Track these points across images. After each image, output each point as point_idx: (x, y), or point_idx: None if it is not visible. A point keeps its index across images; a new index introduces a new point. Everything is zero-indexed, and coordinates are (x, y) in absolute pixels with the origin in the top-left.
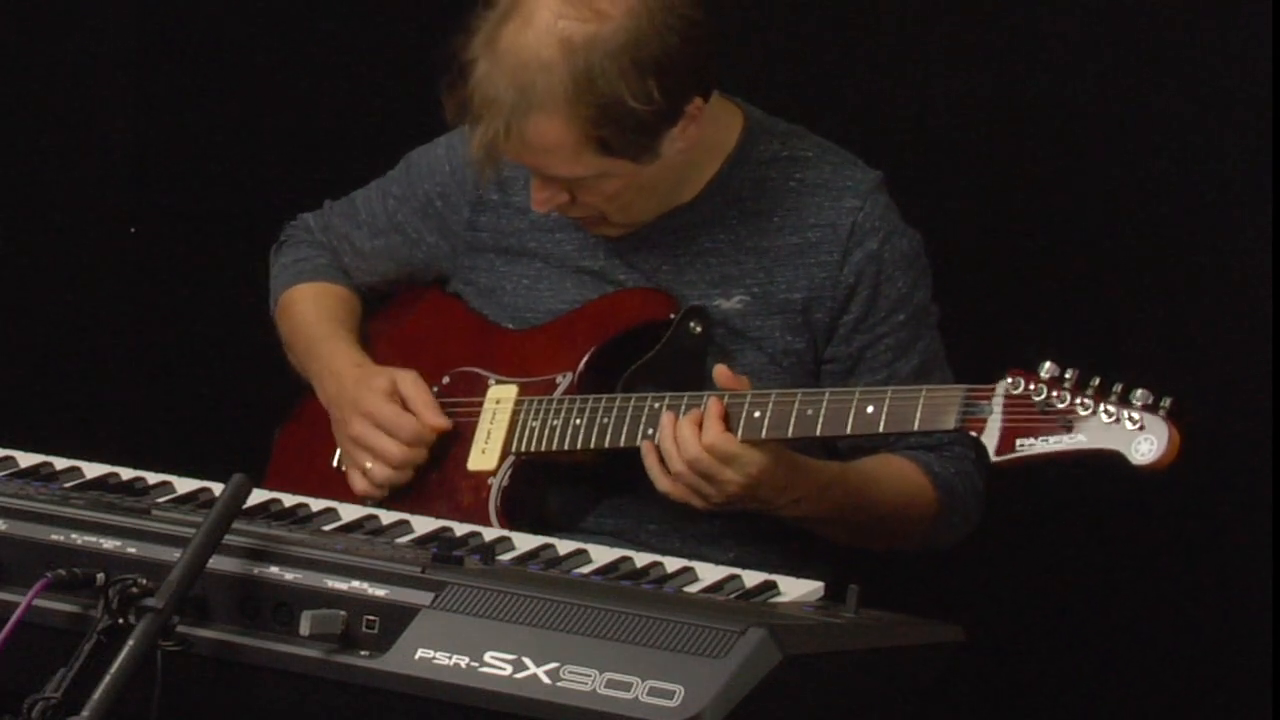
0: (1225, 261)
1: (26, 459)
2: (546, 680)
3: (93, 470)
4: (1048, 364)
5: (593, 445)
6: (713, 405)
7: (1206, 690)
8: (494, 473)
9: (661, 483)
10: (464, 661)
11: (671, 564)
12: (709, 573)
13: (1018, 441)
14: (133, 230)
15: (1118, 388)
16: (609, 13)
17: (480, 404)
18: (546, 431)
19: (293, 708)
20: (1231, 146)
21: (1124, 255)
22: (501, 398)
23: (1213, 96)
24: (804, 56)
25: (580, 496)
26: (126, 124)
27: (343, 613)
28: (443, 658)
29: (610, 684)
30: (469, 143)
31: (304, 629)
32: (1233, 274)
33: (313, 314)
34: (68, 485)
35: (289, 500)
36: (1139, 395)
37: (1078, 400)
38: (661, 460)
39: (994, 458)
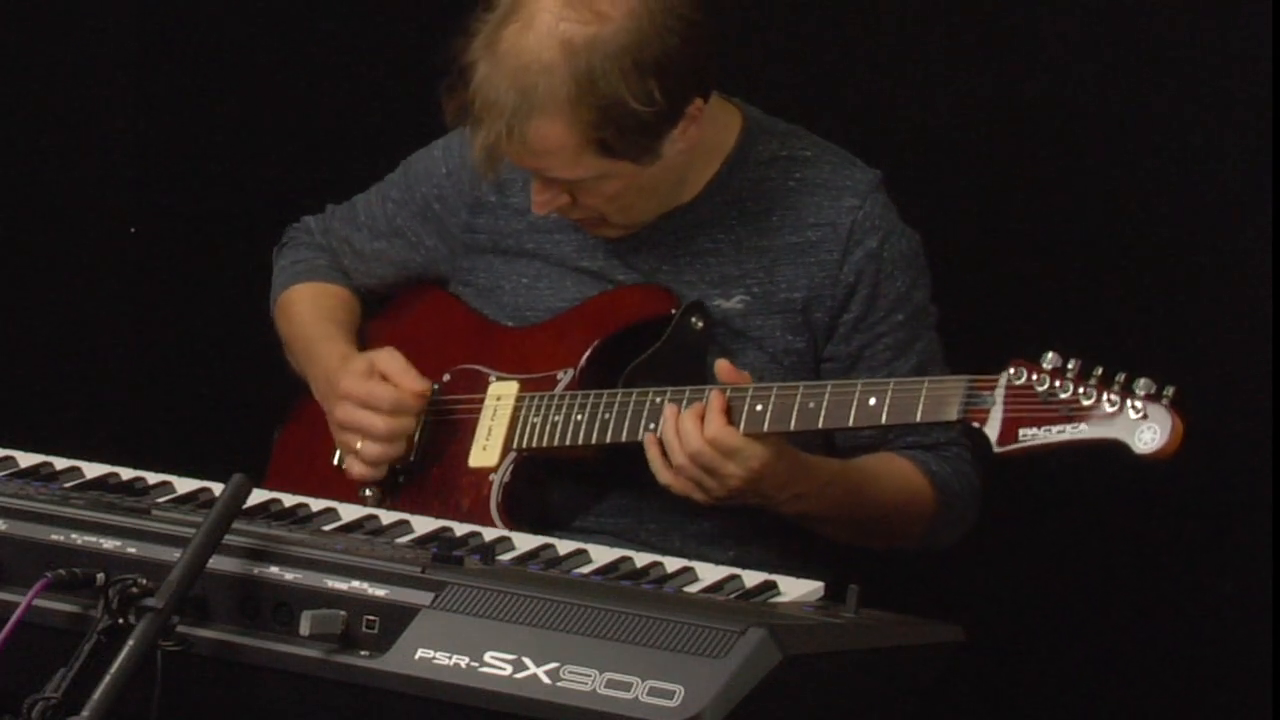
0: (1225, 260)
1: (26, 459)
2: (546, 680)
3: (93, 470)
4: (1050, 354)
5: (594, 441)
6: (715, 398)
7: (1206, 690)
8: (495, 469)
9: (663, 475)
10: (464, 661)
11: (671, 564)
12: (709, 573)
13: (1020, 432)
14: (133, 230)
15: (1120, 377)
16: (610, 14)
17: (481, 401)
18: (548, 428)
19: (293, 708)
20: (1231, 146)
21: (1124, 255)
22: (502, 394)
23: (1213, 96)
24: (804, 56)
25: (582, 493)
26: (126, 124)
27: (343, 613)
28: (443, 658)
29: (610, 684)
30: (470, 145)
31: (304, 629)
32: (1232, 272)
33: (310, 314)
34: (68, 485)
35: (289, 500)
36: (1142, 385)
37: (1080, 390)
38: (664, 453)
39: (997, 448)
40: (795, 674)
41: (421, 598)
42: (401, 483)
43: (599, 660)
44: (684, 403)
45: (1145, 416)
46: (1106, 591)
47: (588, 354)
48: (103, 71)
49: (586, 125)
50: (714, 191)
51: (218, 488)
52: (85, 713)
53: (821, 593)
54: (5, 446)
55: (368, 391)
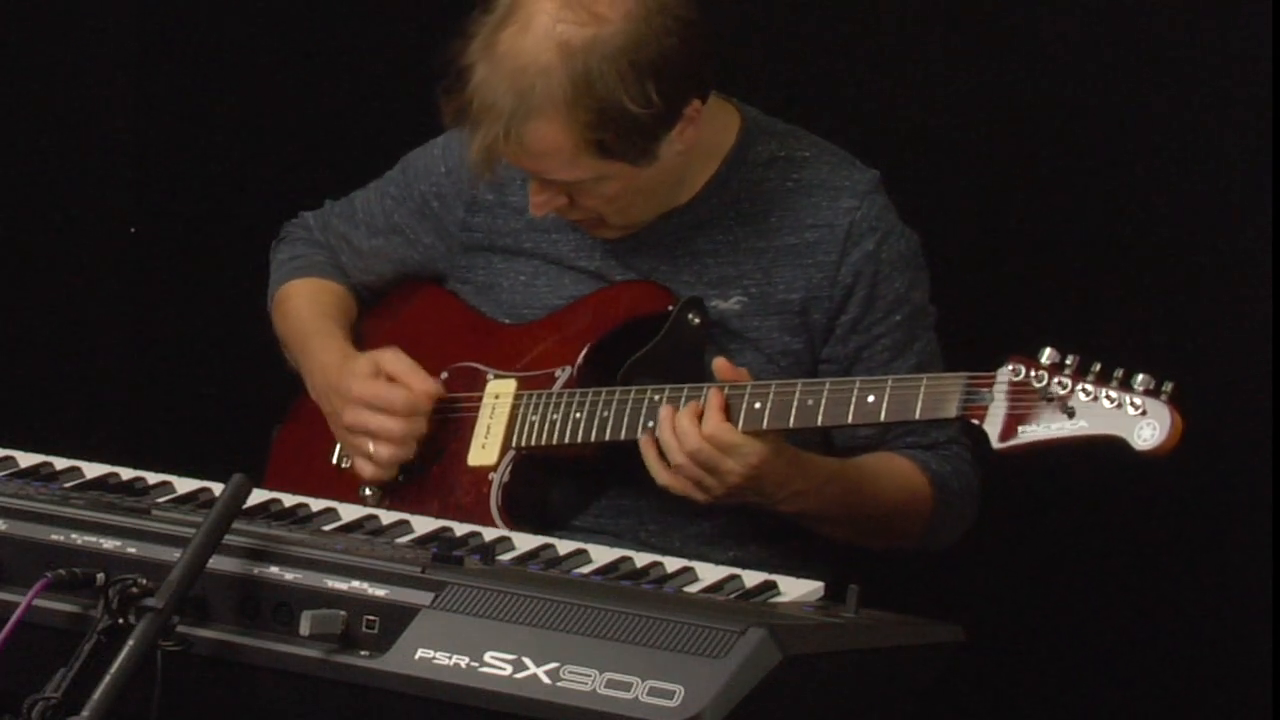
0: (1225, 260)
1: (26, 459)
2: (546, 680)
3: (93, 470)
4: (1048, 350)
5: (593, 439)
6: (713, 396)
7: (1206, 690)
8: (494, 468)
9: (662, 476)
10: (464, 661)
11: (671, 564)
12: (709, 573)
13: (1020, 428)
14: (133, 230)
15: (1119, 373)
16: (607, 16)
17: (479, 399)
18: (546, 426)
19: (293, 708)
20: (1231, 146)
21: (1124, 254)
22: (500, 392)
23: (1213, 96)
24: (804, 56)
25: (581, 491)
26: (126, 124)
27: (343, 613)
28: (443, 658)
29: (610, 684)
30: (468, 147)
31: (304, 629)
32: (1232, 272)
33: (307, 310)
34: (68, 485)
35: (289, 500)
36: (1140, 380)
37: (1079, 386)
38: (661, 454)
39: (996, 445)
40: (795, 674)
41: (421, 598)
42: (401, 481)
43: (599, 660)
44: (682, 401)
45: (1144, 413)
46: (1106, 591)
47: (585, 352)
48: (103, 71)
49: (584, 127)
50: (712, 192)
51: (218, 488)
52: (85, 713)
53: (821, 593)
54: (5, 446)
55: (377, 394)
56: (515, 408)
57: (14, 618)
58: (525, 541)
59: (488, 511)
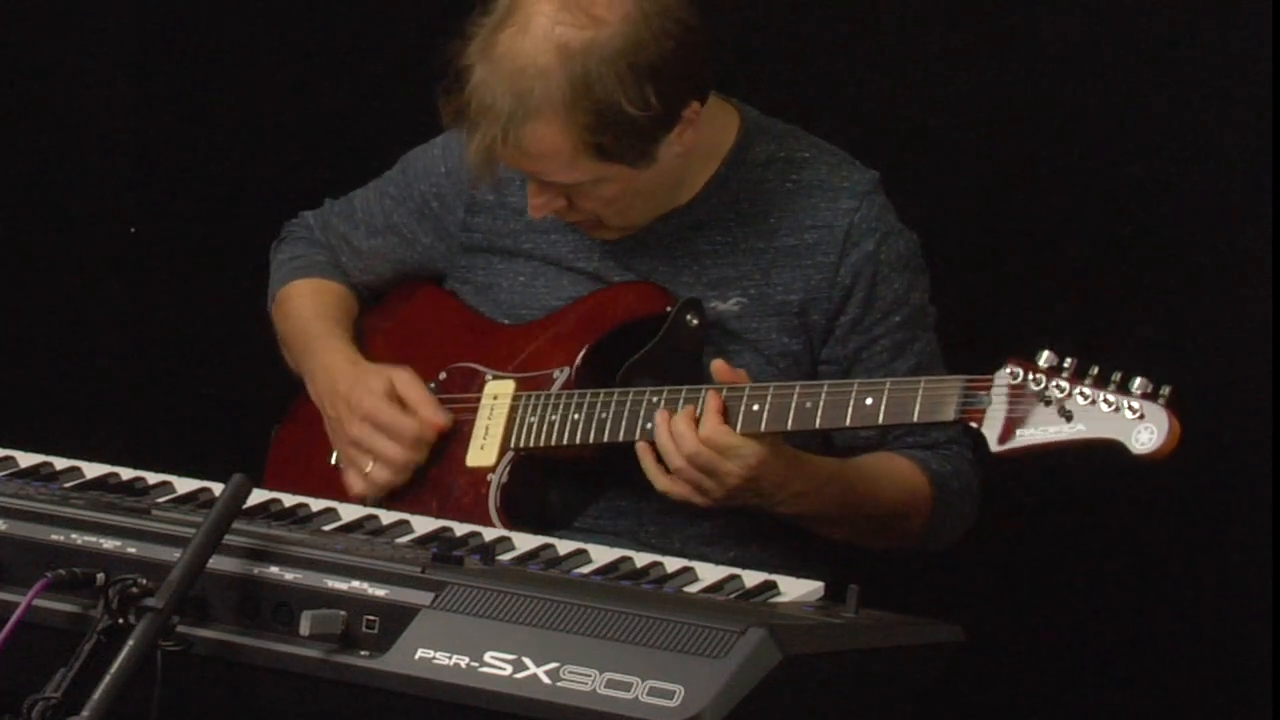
0: (1225, 260)
1: (26, 459)
2: (546, 680)
3: (93, 470)
4: (1046, 353)
5: (591, 440)
6: (710, 399)
7: (1206, 690)
8: (493, 469)
9: (660, 482)
10: (464, 661)
11: (671, 564)
12: (709, 573)
13: (1018, 431)
14: (133, 230)
15: (1116, 376)
16: (606, 19)
17: (478, 400)
18: (545, 427)
19: (293, 708)
20: (1231, 146)
21: (1123, 255)
22: (499, 393)
23: (1213, 96)
24: (804, 56)
25: (580, 492)
26: (126, 124)
27: (343, 613)
28: (443, 658)
29: (610, 684)
30: (466, 149)
31: (304, 629)
32: (1232, 272)
33: (308, 311)
34: (68, 485)
35: (289, 500)
36: (1138, 384)
37: (1077, 389)
38: (658, 460)
39: (995, 448)
40: (795, 674)
41: (421, 598)
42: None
43: (599, 660)
44: (680, 403)
45: (1142, 416)
46: (1106, 591)
47: (583, 353)
48: (103, 71)
49: (582, 129)
50: (711, 193)
51: (218, 488)
52: (85, 713)
53: (821, 593)
54: (5, 446)
55: (392, 420)
56: (514, 408)
57: (14, 618)
58: (525, 541)
59: (486, 512)
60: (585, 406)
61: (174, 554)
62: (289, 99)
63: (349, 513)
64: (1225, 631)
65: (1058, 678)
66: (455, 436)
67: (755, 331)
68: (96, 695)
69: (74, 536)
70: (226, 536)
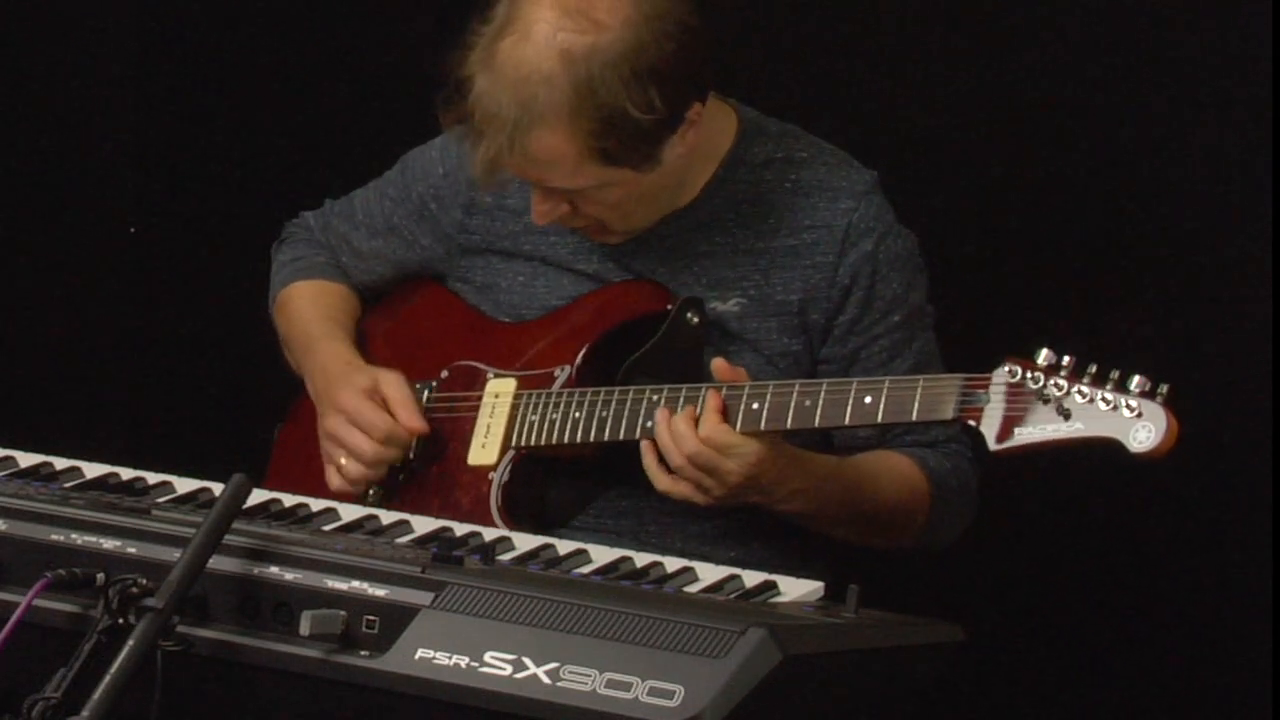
0: (1225, 260)
1: (26, 459)
2: (546, 680)
3: (93, 470)
4: (1044, 351)
5: (592, 439)
6: (710, 398)
7: (1206, 690)
8: (494, 468)
9: (661, 482)
10: (464, 661)
11: (671, 564)
12: (709, 573)
13: (1016, 430)
14: (132, 230)
15: (1114, 374)
16: (607, 23)
17: (479, 398)
18: (546, 425)
19: (293, 708)
20: (1231, 146)
21: (1124, 255)
22: (500, 391)
23: (1213, 96)
24: (803, 56)
25: (581, 490)
26: (126, 124)
27: (343, 613)
28: (443, 658)
29: (610, 684)
30: (471, 159)
31: (304, 629)
32: (1232, 272)
33: (309, 312)
34: (68, 485)
35: (289, 500)
36: (1136, 382)
37: (1075, 388)
38: (659, 460)
39: (993, 446)
40: (795, 674)
41: (421, 598)
42: (401, 481)
43: (599, 660)
44: (680, 402)
45: (1140, 415)
46: (1106, 591)
47: (584, 351)
48: (103, 71)
49: (588, 134)
50: (711, 194)
51: (218, 488)
52: (85, 713)
53: (821, 593)
54: (5, 446)
55: (365, 414)
56: (515, 407)
57: (14, 618)
58: (525, 541)
59: (487, 511)
60: (586, 405)
61: (174, 554)
62: (289, 99)
63: (349, 513)
64: (1225, 631)
65: (1058, 678)
66: (457, 435)
67: (755, 332)
68: (96, 695)
69: (74, 536)
70: (226, 536)
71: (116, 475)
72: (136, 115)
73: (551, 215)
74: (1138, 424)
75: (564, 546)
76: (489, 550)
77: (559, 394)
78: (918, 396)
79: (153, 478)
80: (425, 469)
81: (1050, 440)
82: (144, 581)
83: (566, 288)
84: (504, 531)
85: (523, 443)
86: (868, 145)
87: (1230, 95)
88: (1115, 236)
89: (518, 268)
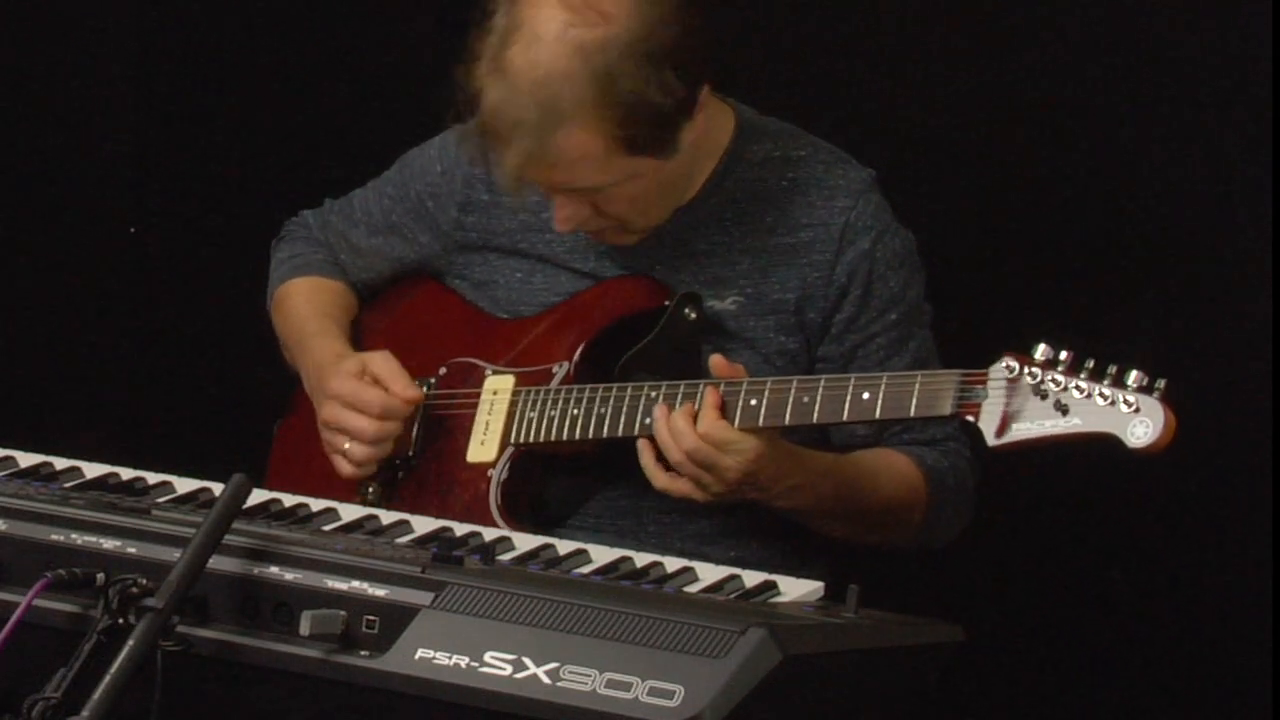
0: (1225, 260)
1: (26, 459)
2: (546, 680)
3: (93, 470)
4: (1042, 346)
5: (590, 435)
6: (709, 395)
7: (1206, 690)
8: (493, 465)
9: (659, 480)
10: (464, 661)
11: (671, 564)
12: (709, 573)
13: (1014, 425)
14: (132, 230)
15: (1112, 370)
16: (614, 14)
17: (478, 395)
18: (544, 422)
19: (293, 708)
20: (1231, 146)
21: (1124, 254)
22: (498, 388)
23: (1213, 96)
24: (804, 56)
25: (580, 487)
26: (126, 124)
27: (343, 613)
28: (443, 658)
29: (610, 684)
30: (498, 172)
31: (304, 629)
32: (1232, 272)
33: (306, 309)
34: (68, 485)
35: (289, 500)
36: (1133, 377)
37: (1073, 383)
38: (658, 458)
39: (991, 442)
40: (795, 674)
41: (421, 598)
42: (400, 478)
43: (599, 660)
44: (678, 398)
45: (1137, 410)
46: (1106, 591)
47: (582, 348)
48: (103, 71)
49: (614, 124)
50: (709, 192)
51: (218, 488)
52: (85, 713)
53: (821, 593)
54: (5, 446)
55: (354, 393)
56: (513, 404)
57: (14, 618)
58: (525, 541)
59: (486, 508)
60: (584, 402)
61: (174, 554)
62: (289, 99)
63: (349, 513)
64: (1225, 631)
65: (1058, 678)
66: (456, 432)
67: (752, 330)
68: (96, 695)
69: (74, 536)
70: (226, 536)
71: (116, 475)
72: (136, 115)
73: (575, 220)
74: (1135, 419)
75: (564, 546)
76: (489, 550)
77: (557, 391)
78: (915, 392)
79: (153, 478)
80: (424, 466)
81: (1048, 436)
82: (144, 581)
83: (564, 284)
84: (504, 531)
85: (521, 439)
86: (866, 144)
87: (1230, 95)
88: (1113, 234)
89: (515, 264)
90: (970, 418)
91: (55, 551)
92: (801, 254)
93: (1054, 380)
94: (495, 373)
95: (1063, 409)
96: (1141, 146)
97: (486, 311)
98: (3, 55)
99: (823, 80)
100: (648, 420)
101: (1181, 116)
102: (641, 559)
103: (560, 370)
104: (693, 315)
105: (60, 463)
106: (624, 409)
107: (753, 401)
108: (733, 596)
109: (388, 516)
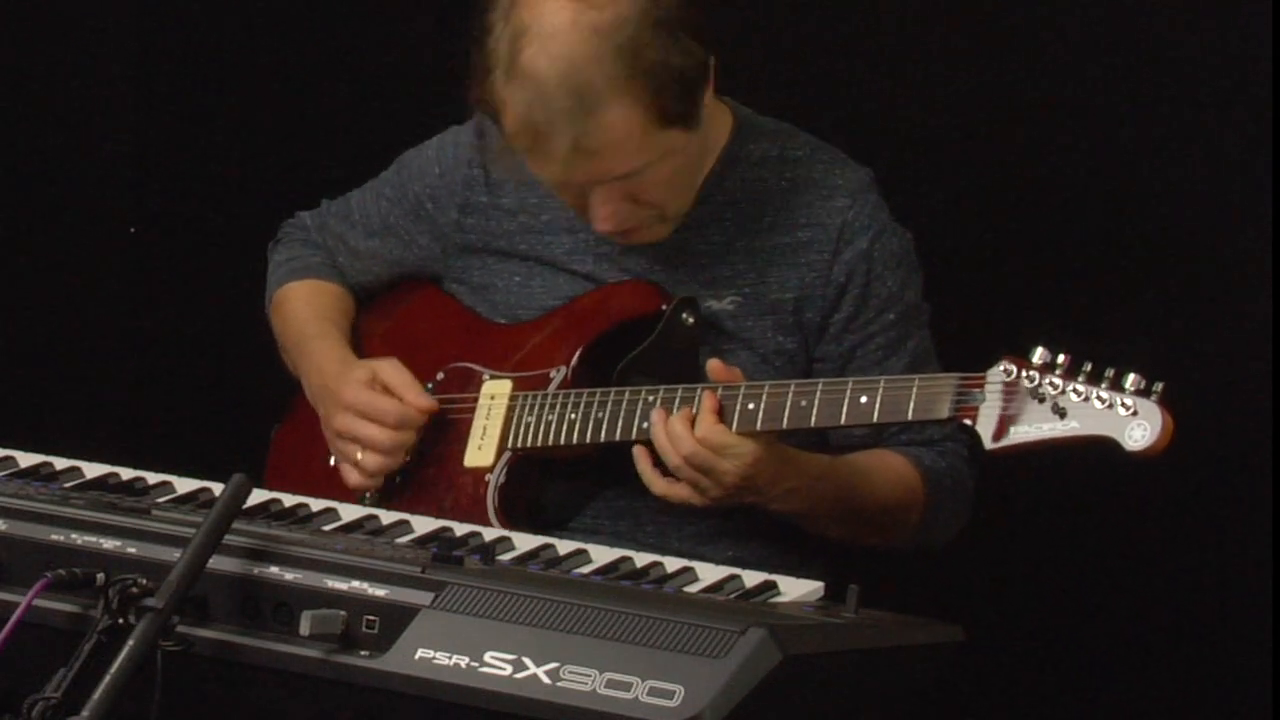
0: (1225, 260)
1: (26, 459)
2: (546, 680)
3: (93, 470)
4: (1039, 349)
5: (588, 440)
6: (706, 399)
7: (1206, 690)
8: (491, 469)
9: (657, 485)
10: (464, 661)
11: (671, 564)
12: (709, 573)
13: (1011, 429)
14: (132, 230)
15: (1109, 373)
16: None
17: (475, 400)
18: (542, 427)
19: (293, 708)
20: (1231, 146)
21: (1123, 254)
22: (496, 393)
23: (1213, 96)
24: (804, 56)
25: (578, 491)
26: (126, 124)
27: (343, 613)
28: (443, 658)
29: (610, 684)
30: (543, 180)
31: (304, 629)
32: (1232, 272)
33: (305, 312)
34: (68, 485)
35: (289, 500)
36: (1131, 380)
37: (1070, 386)
38: (655, 464)
39: (989, 445)
40: (795, 674)
41: (421, 598)
42: (398, 482)
43: (599, 660)
44: (675, 403)
45: (1135, 413)
46: (1106, 591)
47: (579, 352)
48: (103, 71)
49: (649, 95)
50: (709, 192)
51: (218, 488)
52: (85, 713)
53: (821, 593)
54: (5, 446)
55: (370, 403)
56: (511, 409)
57: (14, 618)
58: (525, 541)
59: (484, 512)
60: (582, 406)
61: (174, 554)
62: (289, 99)
63: (349, 513)
64: (1225, 631)
65: (1058, 678)
66: (453, 437)
67: (750, 330)
68: (96, 695)
69: (74, 536)
70: (226, 536)
71: (116, 475)
72: (136, 115)
73: (617, 217)
74: (1133, 422)
75: (564, 546)
76: (489, 550)
77: (554, 395)
78: (913, 396)
79: (153, 478)
80: (422, 471)
81: (1046, 439)
82: (144, 581)
83: (562, 288)
84: (504, 531)
85: (519, 444)
86: (864, 143)
87: (1230, 95)
88: (1112, 235)
89: (513, 268)
90: (968, 421)
91: (55, 551)
92: (799, 254)
93: (1051, 383)
94: (493, 377)
95: (1060, 412)
96: (1141, 146)
97: (484, 316)
98: (3, 55)
99: (823, 80)
100: (645, 425)
101: (1181, 116)
102: (641, 559)
103: (558, 375)
104: (690, 320)
105: (60, 463)
106: (621, 413)
107: (750, 405)
108: (733, 596)
109: (388, 516)
